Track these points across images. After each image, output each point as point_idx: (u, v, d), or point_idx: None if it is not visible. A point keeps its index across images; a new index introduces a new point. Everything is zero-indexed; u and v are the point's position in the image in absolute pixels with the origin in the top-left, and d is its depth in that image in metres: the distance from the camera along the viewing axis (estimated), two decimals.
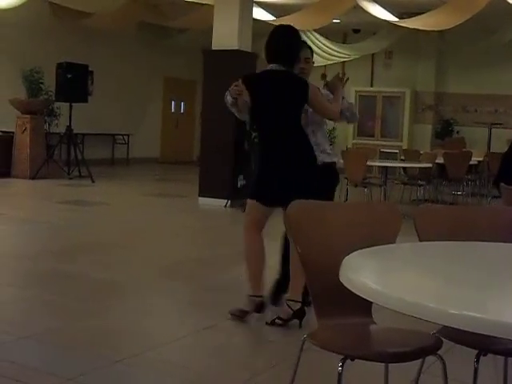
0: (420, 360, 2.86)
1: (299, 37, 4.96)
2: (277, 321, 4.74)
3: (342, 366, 2.46)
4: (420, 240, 2.88)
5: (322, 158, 5.09)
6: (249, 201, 4.92)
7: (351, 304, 2.76)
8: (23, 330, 4.45)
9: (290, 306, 4.72)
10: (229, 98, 4.74)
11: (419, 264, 2.46)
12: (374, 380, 3.26)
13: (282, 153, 4.77)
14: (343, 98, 5.15)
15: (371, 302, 2.79)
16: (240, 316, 4.82)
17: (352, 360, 2.50)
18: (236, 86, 4.63)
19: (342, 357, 2.50)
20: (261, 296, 4.86)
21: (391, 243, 2.77)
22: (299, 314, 4.71)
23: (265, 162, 4.87)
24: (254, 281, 4.86)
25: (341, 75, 5.18)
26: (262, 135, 4.93)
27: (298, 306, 4.71)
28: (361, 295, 2.03)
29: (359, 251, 2.40)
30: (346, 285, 2.11)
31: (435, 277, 2.25)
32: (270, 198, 4.81)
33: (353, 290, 2.06)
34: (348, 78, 5.21)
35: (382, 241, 2.70)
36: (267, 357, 4.31)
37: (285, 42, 4.80)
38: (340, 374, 2.45)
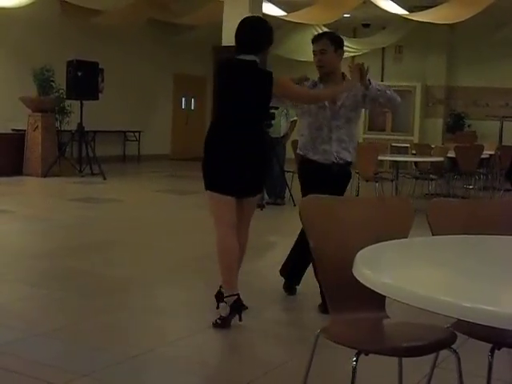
0: (433, 354, 2.87)
1: (266, 28, 4.79)
2: (217, 321, 4.58)
3: (356, 361, 2.46)
4: (433, 234, 2.88)
5: (342, 155, 5.10)
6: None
7: (364, 298, 2.76)
8: (37, 327, 4.47)
9: (226, 303, 4.57)
10: None
11: (432, 258, 2.46)
12: (387, 374, 3.25)
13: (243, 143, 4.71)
14: (370, 83, 5.00)
15: (384, 297, 2.80)
16: (221, 325, 4.59)
17: (366, 355, 2.50)
18: None
19: (355, 352, 2.51)
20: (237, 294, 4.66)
21: (404, 237, 2.76)
22: (237, 308, 4.58)
23: (222, 150, 4.74)
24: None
25: (361, 65, 5.01)
26: (223, 120, 4.85)
27: (234, 298, 4.56)
28: (374, 289, 2.03)
29: (372, 246, 2.40)
30: (359, 279, 2.11)
31: (448, 271, 2.25)
32: (237, 189, 4.71)
33: (366, 285, 2.06)
34: (368, 68, 5.07)
35: (394, 235, 2.70)
36: (280, 353, 4.32)
37: (254, 33, 4.72)
38: (354, 369, 2.45)
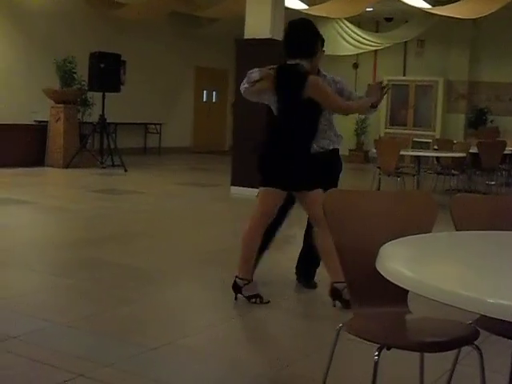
0: (455, 350, 2.86)
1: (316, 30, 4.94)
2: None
3: (378, 355, 2.46)
4: (456, 229, 2.86)
5: (322, 144, 5.23)
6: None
7: (387, 293, 2.76)
8: (61, 318, 4.50)
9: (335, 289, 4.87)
10: (255, 75, 4.81)
11: (456, 253, 2.45)
12: (408, 370, 3.25)
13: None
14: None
15: (407, 291, 2.80)
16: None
17: (388, 349, 2.50)
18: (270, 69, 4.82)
19: (376, 346, 2.51)
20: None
21: (427, 232, 2.76)
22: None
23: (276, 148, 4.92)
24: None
25: (384, 83, 5.05)
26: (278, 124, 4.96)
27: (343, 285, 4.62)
28: (398, 284, 2.03)
29: (396, 240, 2.39)
30: (382, 273, 2.11)
31: (472, 266, 2.24)
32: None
33: (390, 279, 2.05)
34: (390, 88, 5.10)
35: (417, 230, 2.69)
36: (301, 346, 4.32)
37: (291, 36, 4.86)
38: (376, 363, 2.45)
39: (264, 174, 4.99)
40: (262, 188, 4.97)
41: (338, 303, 4.85)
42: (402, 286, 2.03)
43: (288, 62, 4.83)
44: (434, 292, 1.89)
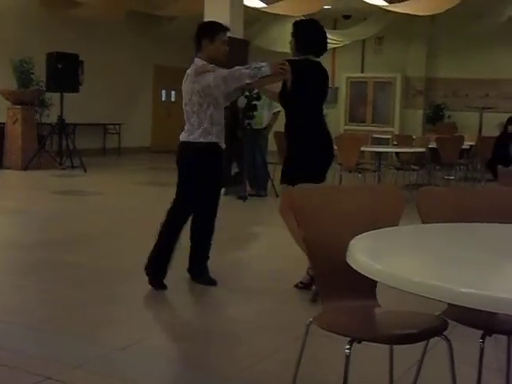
0: (423, 342, 2.88)
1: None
2: (299, 285, 5.23)
3: (349, 349, 2.47)
4: (423, 222, 2.89)
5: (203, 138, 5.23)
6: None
7: (356, 287, 2.78)
8: (23, 319, 4.45)
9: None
10: (265, 70, 5.04)
11: (424, 245, 2.48)
12: (377, 362, 3.27)
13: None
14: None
15: (375, 285, 2.82)
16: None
17: (359, 342, 2.51)
18: (283, 64, 5.07)
19: (346, 340, 2.52)
20: None
21: (394, 226, 2.78)
22: None
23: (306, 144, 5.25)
24: None
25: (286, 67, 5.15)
26: (299, 118, 5.32)
27: None
28: (369, 276, 2.04)
29: (366, 233, 2.41)
30: (354, 267, 2.12)
31: (440, 257, 2.26)
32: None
33: (361, 272, 2.07)
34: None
35: (385, 224, 2.71)
36: (269, 342, 4.32)
37: (322, 36, 5.42)
38: (348, 357, 2.46)
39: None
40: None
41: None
42: (373, 278, 2.04)
43: (298, 58, 5.23)
44: (405, 283, 1.91)
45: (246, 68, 5.09)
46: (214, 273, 5.53)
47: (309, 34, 5.34)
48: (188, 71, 5.26)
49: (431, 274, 2.04)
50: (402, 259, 2.22)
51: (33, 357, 3.78)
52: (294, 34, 5.37)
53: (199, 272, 5.42)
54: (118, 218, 8.74)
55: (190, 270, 5.47)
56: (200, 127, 5.16)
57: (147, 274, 5.25)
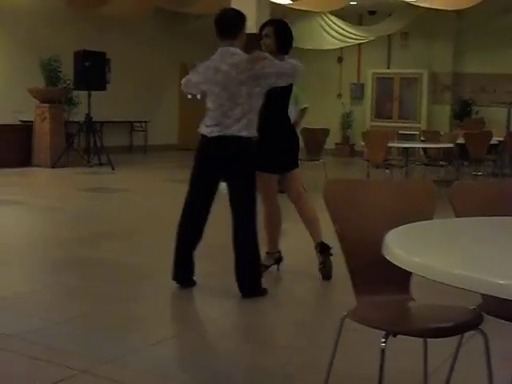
0: (458, 336, 2.87)
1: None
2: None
3: (385, 342, 2.47)
4: (456, 216, 2.88)
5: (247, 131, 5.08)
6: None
7: (390, 281, 2.78)
8: (57, 316, 4.50)
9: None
10: None
11: (460, 238, 2.46)
12: (412, 356, 3.27)
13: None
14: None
15: (410, 279, 2.82)
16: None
17: (394, 336, 2.51)
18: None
19: (379, 334, 2.51)
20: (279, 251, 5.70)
21: (428, 219, 2.77)
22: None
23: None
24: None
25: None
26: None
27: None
28: (407, 269, 2.04)
29: (402, 227, 2.40)
30: (390, 260, 2.11)
31: (477, 250, 2.25)
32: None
33: (399, 265, 2.06)
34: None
35: (419, 218, 2.69)
36: (303, 337, 4.33)
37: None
38: (383, 350, 2.46)
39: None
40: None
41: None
42: (411, 271, 2.04)
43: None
44: (444, 276, 1.90)
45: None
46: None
47: (289, 34, 5.54)
48: (229, 61, 4.98)
49: (470, 266, 2.02)
50: (439, 252, 2.21)
51: (67, 351, 3.81)
52: (277, 34, 5.39)
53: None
54: (146, 214, 8.79)
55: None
56: (243, 119, 4.95)
57: (175, 270, 5.22)
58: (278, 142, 5.47)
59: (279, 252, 5.70)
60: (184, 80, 5.39)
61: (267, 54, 5.02)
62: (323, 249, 5.41)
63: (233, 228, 5.03)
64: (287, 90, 5.39)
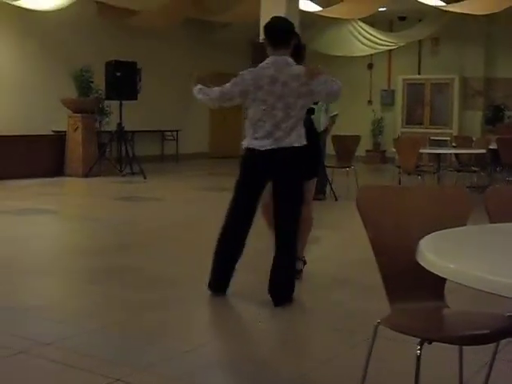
0: (493, 344, 2.85)
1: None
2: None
3: (420, 349, 2.46)
4: (491, 222, 2.86)
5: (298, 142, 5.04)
6: None
7: (424, 287, 2.77)
8: (93, 323, 4.53)
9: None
10: None
11: (495, 244, 2.44)
12: (447, 364, 3.24)
13: None
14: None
15: (444, 286, 2.80)
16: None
17: (429, 343, 2.49)
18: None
19: (413, 342, 2.50)
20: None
21: (462, 226, 2.75)
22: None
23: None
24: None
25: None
26: None
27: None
28: (442, 276, 2.03)
29: (435, 233, 2.39)
30: (425, 266, 2.11)
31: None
32: None
33: (433, 272, 2.05)
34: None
35: (453, 224, 2.68)
36: (334, 344, 4.31)
37: None
38: (418, 358, 2.45)
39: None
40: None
41: None
42: (445, 277, 2.03)
43: None
44: (480, 282, 1.89)
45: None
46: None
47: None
48: (288, 72, 4.90)
49: (505, 272, 2.01)
50: (473, 258, 2.19)
51: (102, 359, 3.84)
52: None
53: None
54: (178, 223, 8.82)
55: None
56: (294, 131, 4.92)
57: (213, 279, 5.22)
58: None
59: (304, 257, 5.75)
60: (218, 93, 5.17)
61: (323, 69, 4.89)
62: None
63: (277, 235, 5.05)
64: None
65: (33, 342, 4.07)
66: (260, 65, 5.04)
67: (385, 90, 19.76)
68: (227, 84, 5.09)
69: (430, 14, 16.55)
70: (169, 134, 18.53)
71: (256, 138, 4.96)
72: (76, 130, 13.98)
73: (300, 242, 5.45)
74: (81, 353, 3.93)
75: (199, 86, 5.32)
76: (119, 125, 14.19)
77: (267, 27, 5.17)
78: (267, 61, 5.01)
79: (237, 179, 5.21)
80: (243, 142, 5.11)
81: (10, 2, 13.34)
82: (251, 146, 5.01)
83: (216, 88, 5.18)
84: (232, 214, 5.21)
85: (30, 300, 5.14)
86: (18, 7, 13.58)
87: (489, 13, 15.07)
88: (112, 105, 14.62)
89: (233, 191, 5.20)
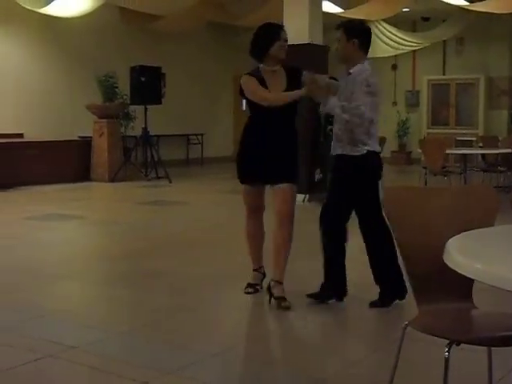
0: None
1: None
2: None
3: (448, 351, 2.44)
4: None
5: None
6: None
7: (451, 288, 2.75)
8: (119, 327, 4.55)
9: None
10: None
11: None
12: (476, 366, 3.22)
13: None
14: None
15: (471, 286, 2.78)
16: (253, 291, 5.30)
17: (458, 345, 2.47)
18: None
19: (440, 343, 2.48)
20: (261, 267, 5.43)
21: (490, 226, 2.73)
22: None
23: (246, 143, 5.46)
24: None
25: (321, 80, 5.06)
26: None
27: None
28: (470, 276, 2.02)
29: (463, 233, 2.37)
30: (452, 267, 2.10)
31: None
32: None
33: (461, 272, 2.04)
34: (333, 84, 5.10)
35: (480, 224, 2.66)
36: (360, 346, 4.30)
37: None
38: (447, 359, 2.43)
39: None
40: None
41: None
42: (473, 278, 2.02)
43: None
44: (506, 282, 1.88)
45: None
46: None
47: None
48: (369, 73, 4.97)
49: None
50: (501, 258, 2.17)
51: (127, 362, 3.85)
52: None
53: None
54: (204, 226, 8.84)
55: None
56: None
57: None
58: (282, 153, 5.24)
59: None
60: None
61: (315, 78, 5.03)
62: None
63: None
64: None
65: (61, 345, 4.10)
66: (366, 68, 4.98)
67: (409, 91, 19.66)
68: (365, 94, 4.94)
69: (453, 14, 16.45)
70: (194, 137, 18.58)
71: (376, 142, 5.11)
72: (101, 135, 14.06)
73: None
74: (109, 356, 3.95)
75: (339, 104, 4.95)
76: (144, 129, 14.24)
77: (366, 30, 5.08)
78: (368, 66, 4.99)
79: (372, 189, 4.99)
80: (366, 147, 4.98)
81: (36, 10, 13.46)
82: (377, 150, 5.12)
83: (361, 104, 4.90)
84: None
85: (58, 304, 5.18)
86: (43, 14, 13.70)
87: None
88: (137, 110, 14.69)
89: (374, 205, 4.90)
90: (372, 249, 5.02)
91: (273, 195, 5.12)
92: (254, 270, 5.44)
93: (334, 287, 5.03)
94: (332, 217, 4.99)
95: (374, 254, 5.00)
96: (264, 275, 5.42)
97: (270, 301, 5.01)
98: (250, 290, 5.33)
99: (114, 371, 3.71)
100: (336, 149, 5.08)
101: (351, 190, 4.96)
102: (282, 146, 5.18)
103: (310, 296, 5.01)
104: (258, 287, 5.36)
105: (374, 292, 5.01)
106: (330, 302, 5.00)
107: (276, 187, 5.08)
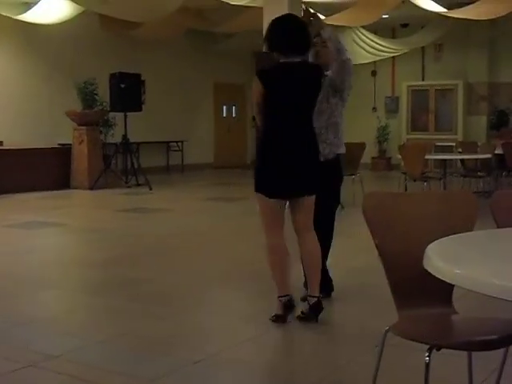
0: (502, 350, 2.83)
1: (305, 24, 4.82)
2: (300, 315, 4.75)
3: (429, 356, 2.44)
4: (498, 226, 2.84)
5: None
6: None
7: (432, 294, 2.75)
8: (99, 335, 4.52)
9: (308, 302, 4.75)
10: None
11: (502, 249, 2.43)
12: (456, 370, 3.23)
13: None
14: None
15: (452, 292, 2.79)
16: (278, 321, 4.73)
17: (438, 350, 2.48)
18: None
19: (424, 348, 2.49)
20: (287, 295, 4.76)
21: (469, 231, 2.74)
22: (316, 309, 4.71)
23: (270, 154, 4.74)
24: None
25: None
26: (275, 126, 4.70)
27: (315, 300, 4.70)
28: (449, 282, 2.02)
29: (443, 239, 2.38)
30: (432, 272, 2.10)
31: None
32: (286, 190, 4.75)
33: (440, 277, 2.04)
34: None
35: (459, 229, 2.67)
36: (344, 351, 4.30)
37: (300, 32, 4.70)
38: (427, 364, 2.43)
39: None
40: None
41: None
42: (452, 283, 2.02)
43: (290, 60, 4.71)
44: (487, 287, 1.88)
45: None
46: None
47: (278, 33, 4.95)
48: None
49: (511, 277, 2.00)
50: (481, 263, 2.18)
51: (109, 371, 3.83)
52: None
53: None
54: (186, 233, 8.81)
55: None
56: None
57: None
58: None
59: None
60: None
61: None
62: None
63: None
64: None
65: (41, 355, 4.07)
66: None
67: (389, 97, 19.77)
68: None
69: (432, 21, 16.55)
70: (174, 144, 18.56)
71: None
72: (81, 142, 14.01)
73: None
74: (89, 365, 3.92)
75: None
76: (124, 136, 14.21)
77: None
78: None
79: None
80: (341, 149, 5.16)
81: (14, 17, 13.39)
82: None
83: None
84: None
85: (38, 313, 5.13)
86: (22, 21, 13.64)
87: (491, 18, 15.07)
88: (117, 117, 14.66)
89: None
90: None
91: (296, 207, 4.80)
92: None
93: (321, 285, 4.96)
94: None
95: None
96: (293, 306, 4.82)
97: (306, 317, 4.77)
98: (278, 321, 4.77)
99: (94, 380, 3.69)
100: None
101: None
102: (305, 153, 4.71)
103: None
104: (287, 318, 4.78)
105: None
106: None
107: (301, 200, 4.75)
